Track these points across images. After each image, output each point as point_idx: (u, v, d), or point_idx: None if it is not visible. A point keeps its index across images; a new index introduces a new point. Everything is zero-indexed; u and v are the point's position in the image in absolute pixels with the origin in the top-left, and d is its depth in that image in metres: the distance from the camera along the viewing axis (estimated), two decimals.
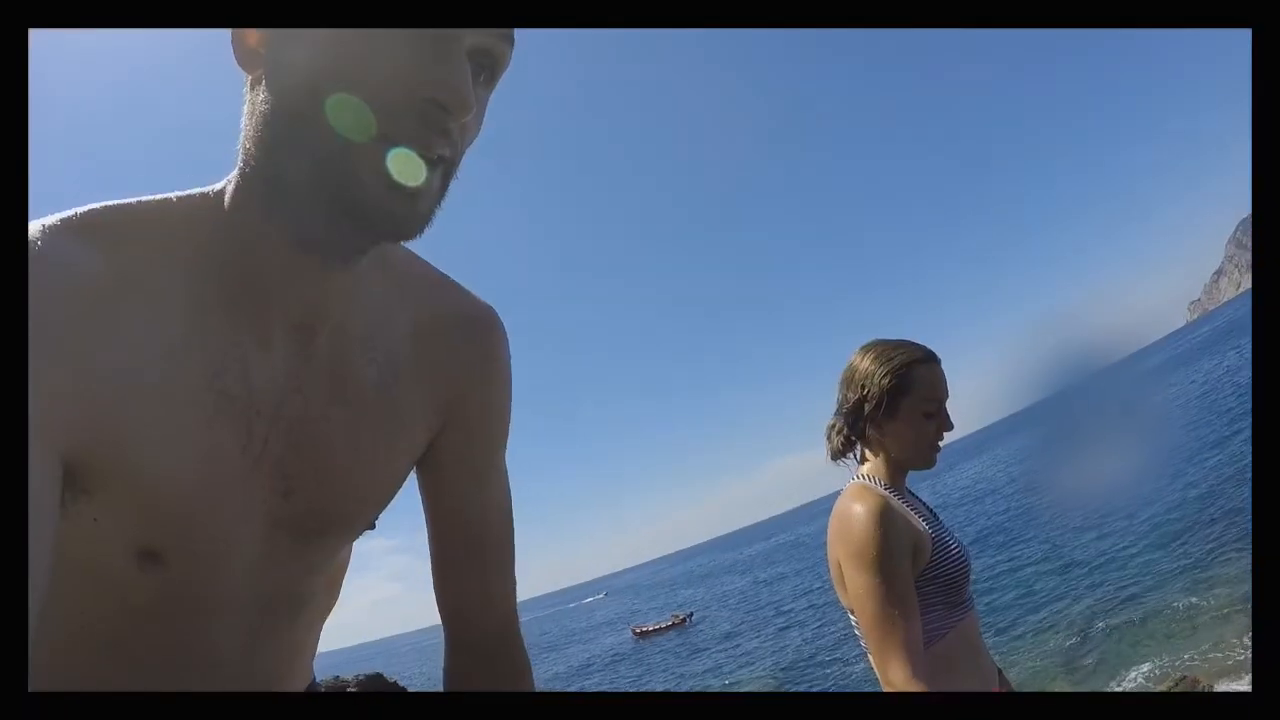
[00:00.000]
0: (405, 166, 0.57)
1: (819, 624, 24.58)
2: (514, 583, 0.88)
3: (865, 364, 1.78)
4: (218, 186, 0.66)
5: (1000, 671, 1.84)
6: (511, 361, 0.85)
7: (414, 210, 0.60)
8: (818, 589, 32.27)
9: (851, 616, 1.72)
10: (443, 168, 0.61)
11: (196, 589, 0.72)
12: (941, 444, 1.78)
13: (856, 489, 1.71)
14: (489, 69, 0.62)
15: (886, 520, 1.60)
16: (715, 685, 20.45)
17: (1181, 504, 16.83)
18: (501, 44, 0.62)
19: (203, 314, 0.64)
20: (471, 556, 0.85)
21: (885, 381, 1.72)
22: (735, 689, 19.20)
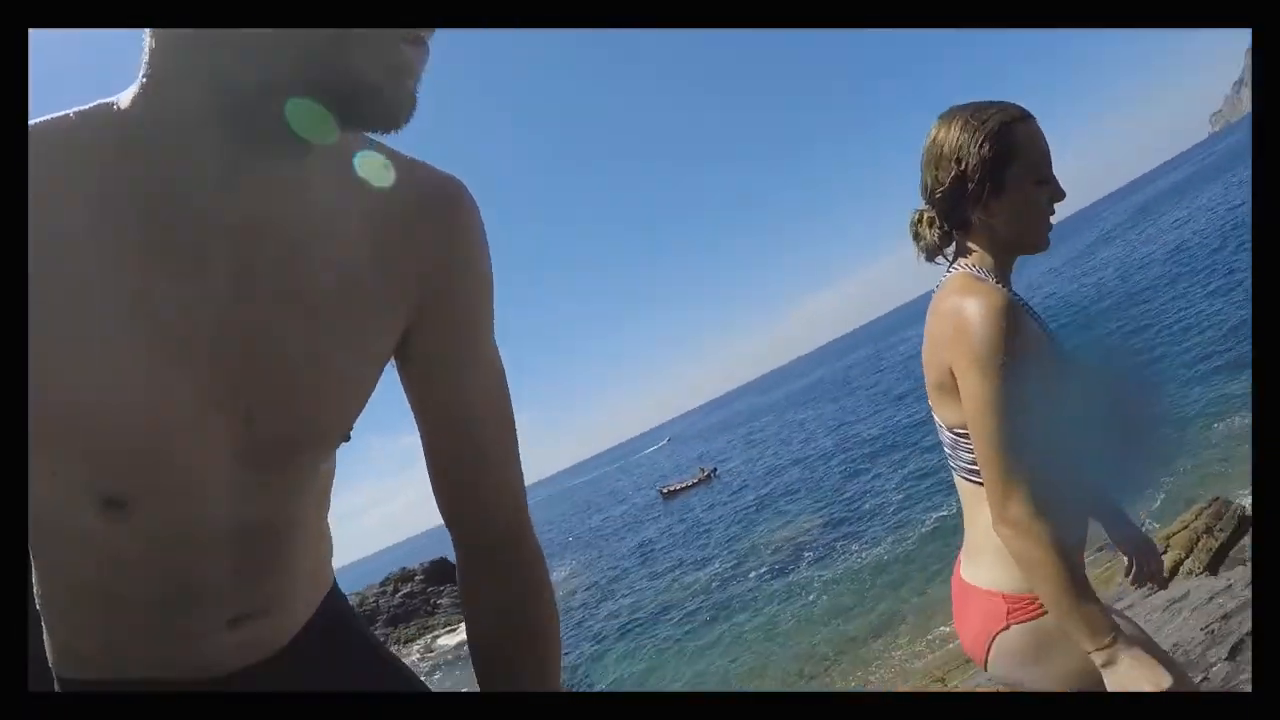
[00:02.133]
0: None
1: (850, 461, 24.97)
2: (518, 473, 0.83)
3: (955, 134, 1.42)
4: (131, 91, 0.58)
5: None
6: (485, 233, 0.78)
7: (407, 92, 0.56)
8: (845, 424, 33.15)
9: (948, 434, 1.47)
10: (424, 48, 0.58)
11: (168, 530, 0.69)
12: (1054, 219, 1.46)
13: (967, 281, 1.40)
14: None
15: (1014, 319, 1.31)
16: (752, 537, 21.07)
17: None
18: None
19: (122, 236, 0.58)
20: (466, 454, 0.80)
21: (986, 150, 1.38)
22: (768, 540, 19.73)
